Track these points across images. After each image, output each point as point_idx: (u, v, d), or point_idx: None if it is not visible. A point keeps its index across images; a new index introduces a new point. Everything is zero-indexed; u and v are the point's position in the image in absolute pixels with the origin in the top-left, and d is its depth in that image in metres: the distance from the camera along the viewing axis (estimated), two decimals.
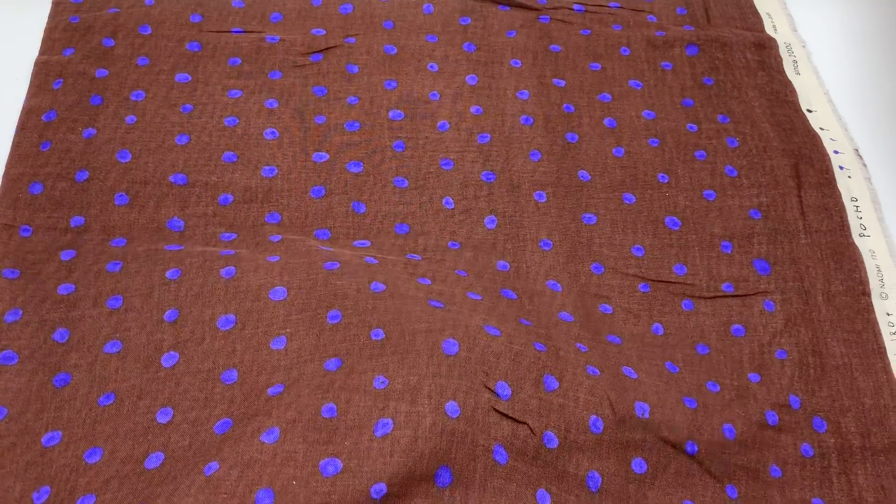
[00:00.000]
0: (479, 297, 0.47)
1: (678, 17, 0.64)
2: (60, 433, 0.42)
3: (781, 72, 0.60)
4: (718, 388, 0.47)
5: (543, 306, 0.49)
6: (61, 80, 0.55)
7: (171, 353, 0.45)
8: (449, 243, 0.51)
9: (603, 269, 0.51)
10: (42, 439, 0.42)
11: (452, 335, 0.44)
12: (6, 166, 0.51)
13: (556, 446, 0.42)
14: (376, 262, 0.48)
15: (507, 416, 0.42)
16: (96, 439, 0.42)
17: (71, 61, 0.56)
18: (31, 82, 0.55)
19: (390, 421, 0.40)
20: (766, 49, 0.62)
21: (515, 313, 0.47)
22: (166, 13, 0.60)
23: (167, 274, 0.47)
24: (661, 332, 0.49)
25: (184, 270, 0.47)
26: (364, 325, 0.45)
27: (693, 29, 0.63)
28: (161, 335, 0.45)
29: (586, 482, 0.42)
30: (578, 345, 0.46)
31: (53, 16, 0.59)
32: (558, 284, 0.50)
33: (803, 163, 0.55)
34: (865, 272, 0.51)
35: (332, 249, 0.49)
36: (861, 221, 0.54)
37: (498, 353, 0.43)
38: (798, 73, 0.61)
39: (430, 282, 0.48)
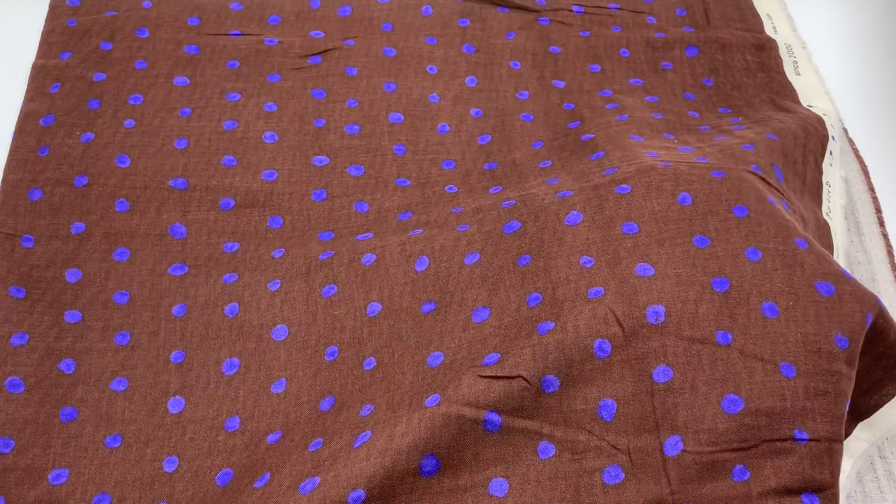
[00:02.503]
0: (478, 256, 0.46)
1: (678, 19, 0.64)
2: (67, 472, 0.42)
3: (782, 73, 0.60)
4: (760, 254, 0.43)
5: (549, 221, 0.46)
6: (59, 84, 0.55)
7: (178, 397, 0.45)
8: (453, 209, 0.50)
9: (615, 169, 0.49)
10: (49, 476, 0.42)
11: (438, 347, 0.43)
12: (4, 172, 0.51)
13: (556, 388, 0.40)
14: (374, 258, 0.47)
15: (495, 377, 0.40)
16: (104, 484, 0.42)
17: (68, 65, 0.56)
18: (28, 86, 0.55)
19: (369, 432, 0.40)
20: (765, 50, 0.62)
21: (514, 253, 0.45)
22: (164, 16, 0.59)
23: (173, 310, 0.47)
24: (688, 201, 0.45)
25: (189, 306, 0.47)
26: (358, 357, 0.45)
27: (692, 30, 0.63)
28: (168, 377, 0.45)
29: (598, 414, 0.40)
30: (583, 259, 0.43)
31: (50, 19, 0.58)
32: (569, 192, 0.47)
33: (808, 124, 0.54)
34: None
35: (333, 253, 0.48)
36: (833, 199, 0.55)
37: (485, 336, 0.42)
38: (798, 74, 0.61)
39: (428, 262, 0.46)
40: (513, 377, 0.39)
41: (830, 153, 0.55)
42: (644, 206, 0.45)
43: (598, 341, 0.40)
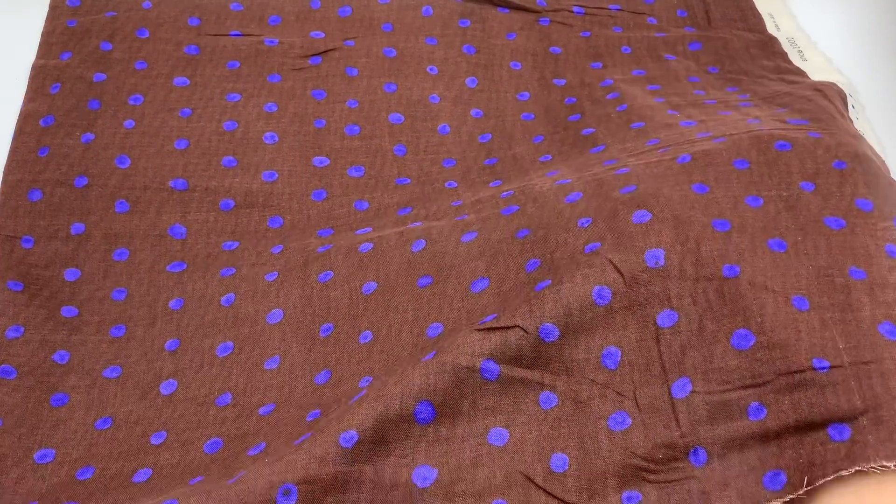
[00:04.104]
0: (475, 234, 0.46)
1: (679, 19, 0.64)
2: (54, 451, 0.42)
3: (788, 61, 0.59)
4: (761, 201, 0.42)
5: (548, 203, 0.45)
6: (59, 84, 0.55)
7: (170, 380, 0.44)
8: (452, 202, 0.50)
9: (615, 160, 0.48)
10: (34, 455, 0.42)
11: (437, 318, 0.42)
12: (4, 172, 0.51)
13: (556, 338, 0.39)
14: (371, 246, 0.47)
15: (491, 329, 0.38)
16: (91, 460, 0.42)
17: (68, 65, 0.56)
18: (28, 86, 0.55)
19: (364, 391, 0.39)
20: (768, 47, 0.61)
21: (514, 228, 0.45)
22: (164, 16, 0.59)
23: (170, 304, 0.47)
24: (687, 159, 0.44)
25: (186, 300, 0.47)
26: (354, 331, 0.44)
27: (694, 30, 0.63)
28: (161, 363, 0.45)
29: (602, 362, 0.39)
30: (581, 221, 0.43)
31: (50, 19, 0.58)
32: (568, 179, 0.47)
33: (821, 84, 0.54)
34: None
35: (331, 246, 0.48)
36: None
37: (484, 304, 0.42)
38: (805, 60, 0.60)
39: (424, 243, 0.46)
40: (509, 327, 0.38)
41: (853, 107, 0.54)
42: (644, 173, 0.44)
43: (596, 288, 0.39)
